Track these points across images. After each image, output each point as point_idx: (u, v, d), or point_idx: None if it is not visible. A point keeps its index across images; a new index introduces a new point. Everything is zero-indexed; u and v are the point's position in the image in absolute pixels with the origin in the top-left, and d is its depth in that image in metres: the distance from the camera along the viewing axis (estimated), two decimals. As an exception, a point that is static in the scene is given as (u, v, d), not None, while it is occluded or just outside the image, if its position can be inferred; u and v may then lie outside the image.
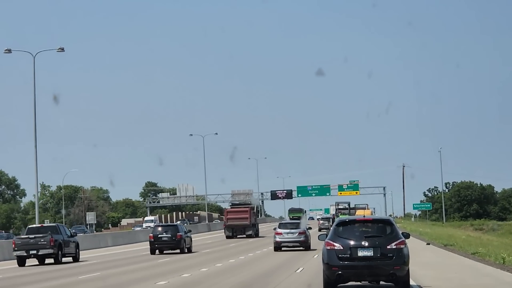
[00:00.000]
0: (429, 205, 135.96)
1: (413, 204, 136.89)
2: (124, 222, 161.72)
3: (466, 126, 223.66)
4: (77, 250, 46.40)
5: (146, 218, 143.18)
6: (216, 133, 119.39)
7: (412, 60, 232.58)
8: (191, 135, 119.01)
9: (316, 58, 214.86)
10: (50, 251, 43.01)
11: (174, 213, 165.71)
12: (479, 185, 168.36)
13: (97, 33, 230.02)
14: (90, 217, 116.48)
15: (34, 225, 48.20)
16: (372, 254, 20.61)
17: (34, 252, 42.95)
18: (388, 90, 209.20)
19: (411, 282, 22.42)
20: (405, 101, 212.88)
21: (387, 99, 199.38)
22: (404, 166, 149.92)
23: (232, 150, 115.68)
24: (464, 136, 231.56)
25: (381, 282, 21.75)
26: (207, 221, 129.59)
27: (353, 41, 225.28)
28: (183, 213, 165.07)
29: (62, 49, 62.77)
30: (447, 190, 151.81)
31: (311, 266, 33.07)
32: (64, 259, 44.54)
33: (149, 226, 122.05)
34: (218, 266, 36.57)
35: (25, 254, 43.07)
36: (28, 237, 43.29)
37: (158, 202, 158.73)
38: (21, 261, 43.34)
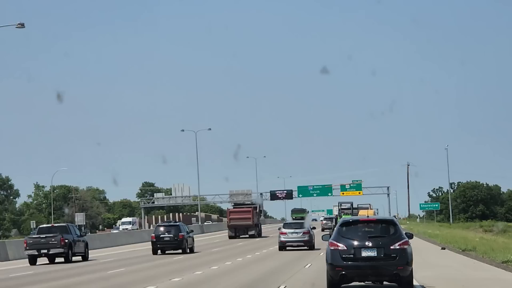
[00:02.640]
0: (437, 205, 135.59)
1: (420, 204, 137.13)
2: (119, 223, 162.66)
3: (471, 125, 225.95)
4: (86, 250, 49.27)
5: (123, 220, 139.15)
6: (210, 129, 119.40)
7: (417, 58, 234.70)
8: (183, 130, 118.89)
9: (320, 56, 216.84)
10: (61, 250, 45.92)
11: (170, 214, 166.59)
12: (485, 185, 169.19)
13: (101, 32, 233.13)
14: (79, 218, 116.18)
15: (45, 225, 51.23)
16: (376, 255, 21.32)
17: (45, 251, 45.88)
18: (393, 88, 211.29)
19: (415, 283, 23.20)
20: (409, 99, 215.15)
21: (391, 97, 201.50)
22: (408, 165, 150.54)
23: (236, 149, 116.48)
24: (470, 135, 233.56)
25: (385, 282, 22.49)
26: (199, 222, 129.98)
27: (358, 39, 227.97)
28: (181, 214, 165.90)
29: (22, 25, 56.54)
30: (452, 191, 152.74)
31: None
32: (73, 258, 47.31)
33: (126, 228, 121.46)
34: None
35: (36, 253, 45.97)
36: (39, 237, 46.07)
37: (153, 202, 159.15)
38: (32, 260, 46.23)
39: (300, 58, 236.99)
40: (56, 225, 50.96)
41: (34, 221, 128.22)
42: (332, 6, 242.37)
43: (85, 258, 48.76)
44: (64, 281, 31.98)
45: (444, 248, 48.04)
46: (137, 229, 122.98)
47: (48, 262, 47.46)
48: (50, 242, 45.71)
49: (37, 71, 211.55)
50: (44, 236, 45.96)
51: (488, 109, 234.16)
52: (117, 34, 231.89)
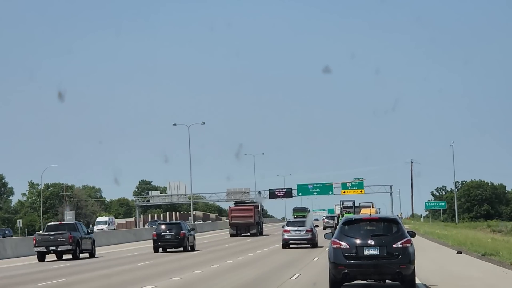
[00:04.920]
0: (443, 203, 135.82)
1: (425, 203, 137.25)
2: (115, 222, 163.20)
3: (475, 123, 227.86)
4: (93, 247, 52.10)
5: (97, 219, 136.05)
6: (203, 123, 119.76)
7: (420, 56, 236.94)
8: (175, 124, 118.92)
9: (323, 55, 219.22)
10: (69, 247, 48.62)
11: (167, 213, 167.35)
12: (489, 184, 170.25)
13: (103, 30, 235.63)
14: (69, 217, 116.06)
15: (53, 223, 53.97)
16: (378, 253, 21.93)
17: (54, 248, 48.57)
18: (396, 87, 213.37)
19: (417, 281, 23.95)
20: (412, 98, 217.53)
21: (394, 96, 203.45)
22: (412, 162, 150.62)
23: (238, 148, 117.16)
24: (473, 133, 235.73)
25: (387, 281, 23.18)
26: (192, 222, 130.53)
27: (361, 37, 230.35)
28: (178, 213, 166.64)
29: None
30: (454, 190, 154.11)
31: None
32: (81, 255, 50.05)
33: (102, 228, 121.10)
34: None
35: (45, 250, 48.65)
36: (48, 234, 48.74)
37: (148, 201, 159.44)
38: (41, 257, 48.88)
39: (303, 56, 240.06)
40: (64, 222, 53.85)
41: (20, 220, 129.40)
42: (335, 4, 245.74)
43: (92, 255, 51.54)
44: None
45: (460, 252, 43.14)
46: (114, 229, 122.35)
47: (56, 259, 49.83)
48: (59, 240, 48.33)
49: (39, 69, 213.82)
50: (52, 233, 48.61)
51: (491, 107, 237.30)
52: (119, 32, 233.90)
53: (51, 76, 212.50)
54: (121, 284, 29.31)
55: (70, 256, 49.69)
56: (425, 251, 43.50)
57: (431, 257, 38.45)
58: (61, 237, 48.41)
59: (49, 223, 53.85)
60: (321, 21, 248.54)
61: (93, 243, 52.28)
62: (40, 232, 54.25)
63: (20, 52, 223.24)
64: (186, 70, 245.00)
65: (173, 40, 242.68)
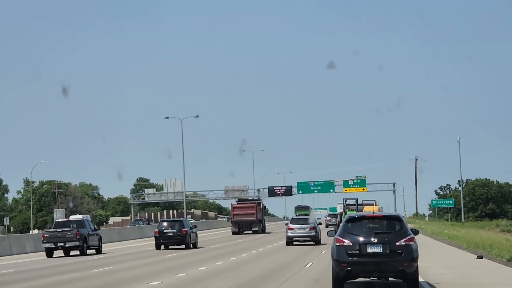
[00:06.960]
0: (451, 201, 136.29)
1: (432, 200, 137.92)
2: (111, 221, 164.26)
3: (479, 121, 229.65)
4: (100, 243, 54.64)
5: (71, 217, 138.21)
6: (197, 116, 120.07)
7: (424, 54, 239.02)
8: (167, 117, 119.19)
9: (327, 52, 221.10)
10: (76, 243, 51.13)
11: (165, 211, 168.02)
12: (495, 182, 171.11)
13: (106, 27, 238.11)
14: (59, 215, 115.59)
15: (61, 220, 56.58)
16: (381, 251, 22.45)
17: (62, 244, 51.06)
18: (399, 84, 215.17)
19: (420, 279, 24.53)
20: (416, 95, 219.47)
21: (398, 93, 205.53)
22: (416, 159, 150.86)
23: (241, 144, 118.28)
24: (478, 131, 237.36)
25: (390, 279, 23.93)
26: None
27: (365, 35, 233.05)
28: (175, 211, 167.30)
29: None
30: (460, 188, 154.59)
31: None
32: (88, 251, 52.36)
33: None
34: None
35: (53, 246, 51.15)
36: (56, 231, 51.21)
37: (144, 199, 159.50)
38: (49, 253, 51.42)
39: (307, 53, 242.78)
40: (72, 219, 56.40)
41: (7, 218, 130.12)
42: (339, 1, 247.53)
43: (98, 251, 53.96)
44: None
45: (481, 257, 37.87)
46: None
47: (64, 255, 52.11)
48: (66, 236, 50.78)
49: (41, 65, 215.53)
50: (60, 230, 51.06)
51: (495, 105, 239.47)
52: (122, 29, 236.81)
53: (52, 73, 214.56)
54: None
55: (77, 252, 51.92)
56: (439, 254, 42.77)
57: (449, 264, 35.04)
58: (69, 233, 50.72)
59: (57, 220, 56.04)
60: (324, 18, 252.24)
61: (100, 239, 54.63)
62: (49, 228, 56.88)
63: (23, 48, 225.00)
64: (189, 66, 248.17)
65: (176, 37, 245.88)
